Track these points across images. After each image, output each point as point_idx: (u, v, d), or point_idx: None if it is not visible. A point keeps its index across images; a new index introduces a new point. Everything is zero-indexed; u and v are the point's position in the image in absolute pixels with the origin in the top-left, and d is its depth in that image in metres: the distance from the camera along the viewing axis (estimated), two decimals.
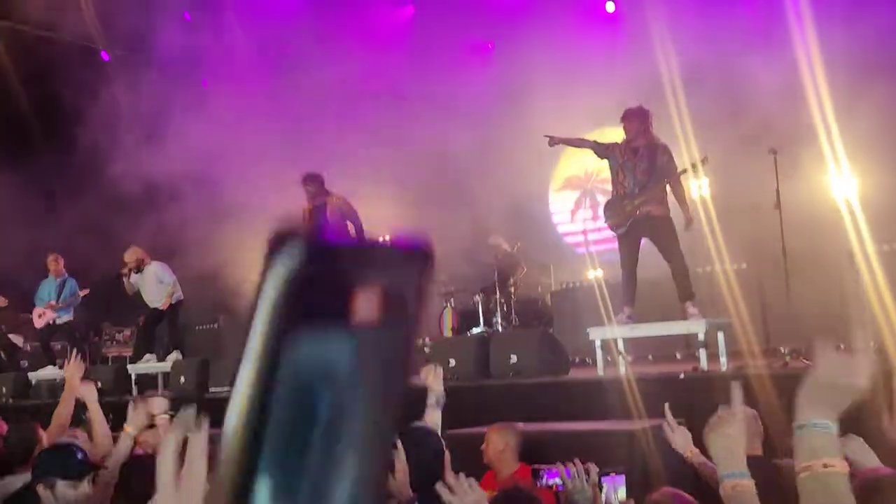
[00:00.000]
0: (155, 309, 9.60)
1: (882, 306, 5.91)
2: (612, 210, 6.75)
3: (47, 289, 10.53)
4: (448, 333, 10.14)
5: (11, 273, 10.82)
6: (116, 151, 11.97)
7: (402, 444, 3.33)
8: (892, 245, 7.41)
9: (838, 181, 8.50)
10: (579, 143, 7.28)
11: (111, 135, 12.01)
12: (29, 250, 10.75)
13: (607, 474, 3.20)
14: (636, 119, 6.63)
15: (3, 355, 11.35)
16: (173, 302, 9.50)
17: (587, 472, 3.01)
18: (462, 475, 2.48)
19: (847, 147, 7.75)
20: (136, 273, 9.50)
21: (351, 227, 8.37)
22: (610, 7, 11.99)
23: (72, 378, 4.70)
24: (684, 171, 6.60)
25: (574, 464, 3.02)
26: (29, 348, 12.96)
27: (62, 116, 12.30)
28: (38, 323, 10.56)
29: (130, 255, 9.58)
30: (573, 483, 2.97)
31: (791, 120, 8.57)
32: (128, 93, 12.59)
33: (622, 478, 3.31)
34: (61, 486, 3.05)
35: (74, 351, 5.34)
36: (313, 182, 8.53)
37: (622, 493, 3.27)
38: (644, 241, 6.65)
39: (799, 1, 8.91)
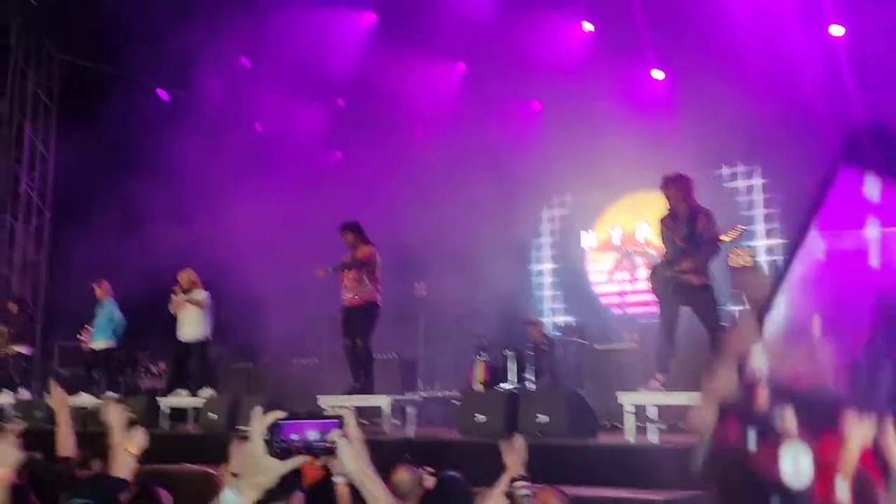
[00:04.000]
0: (184, 343, 9.71)
1: None
2: (654, 276, 6.75)
3: (95, 314, 10.77)
4: (478, 387, 10.11)
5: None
6: (175, 192, 12.29)
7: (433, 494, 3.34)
8: None
9: None
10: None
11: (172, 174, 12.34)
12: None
13: None
14: (675, 186, 6.65)
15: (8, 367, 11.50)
16: (202, 339, 9.61)
17: None
18: None
19: None
20: (185, 294, 9.67)
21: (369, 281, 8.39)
22: (658, 74, 12.11)
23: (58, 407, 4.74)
24: (719, 240, 6.50)
25: None
26: (66, 374, 13.19)
27: (127, 154, 12.66)
28: (83, 346, 10.81)
29: (184, 277, 9.77)
30: None
31: None
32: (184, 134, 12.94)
33: None
34: None
35: (52, 381, 5.39)
36: (351, 231, 8.61)
37: None
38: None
39: None
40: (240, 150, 13.28)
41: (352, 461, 1.52)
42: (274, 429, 1.51)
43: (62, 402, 4.70)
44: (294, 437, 1.50)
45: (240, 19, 12.39)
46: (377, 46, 12.94)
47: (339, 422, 1.52)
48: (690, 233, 6.54)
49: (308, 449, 1.51)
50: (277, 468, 1.51)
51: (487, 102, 12.54)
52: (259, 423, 1.52)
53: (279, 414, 1.53)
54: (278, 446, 1.50)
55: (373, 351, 8.57)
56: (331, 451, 1.51)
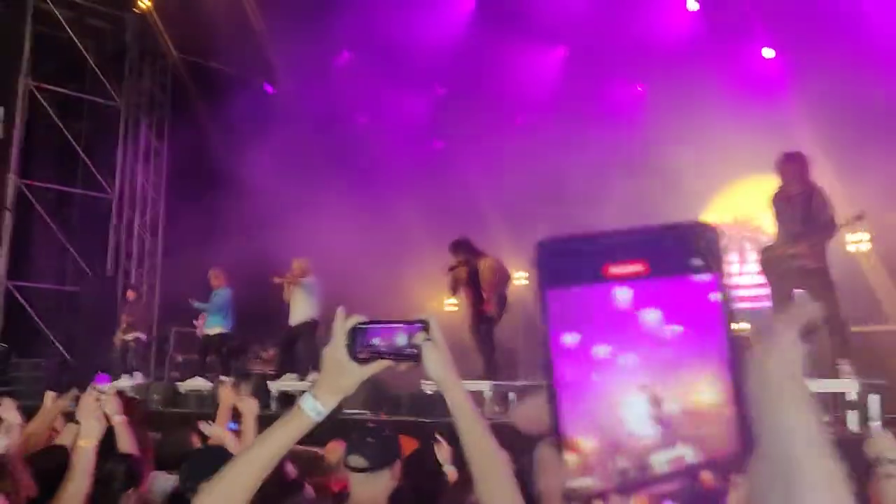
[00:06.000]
0: (293, 327, 9.97)
1: None
2: (765, 259, 6.47)
3: (205, 302, 11.14)
4: None
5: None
6: (282, 184, 12.59)
7: None
8: None
9: None
10: None
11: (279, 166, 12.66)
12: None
13: None
14: (791, 164, 6.34)
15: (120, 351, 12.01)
16: (309, 321, 9.83)
17: None
18: None
19: None
20: (297, 281, 9.95)
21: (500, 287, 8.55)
22: (768, 53, 11.64)
23: (226, 400, 4.89)
24: (836, 222, 6.19)
25: None
26: (180, 359, 13.76)
27: (236, 147, 13.06)
28: (198, 333, 11.23)
29: (297, 264, 10.04)
30: None
31: None
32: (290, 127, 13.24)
33: None
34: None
35: (232, 379, 5.51)
36: (461, 249, 8.67)
37: None
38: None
39: None
40: (343, 143, 13.51)
41: (437, 366, 1.42)
42: (356, 333, 1.43)
43: (227, 399, 4.89)
44: (376, 341, 1.43)
45: (340, 11, 12.56)
46: (476, 33, 12.89)
47: (424, 325, 1.42)
48: (805, 214, 6.23)
49: (391, 354, 1.43)
50: (359, 373, 1.45)
51: (589, 86, 12.33)
52: (341, 325, 1.46)
53: (360, 318, 1.45)
54: (360, 351, 1.43)
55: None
56: (415, 357, 1.42)
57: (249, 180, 12.40)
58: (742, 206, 12.09)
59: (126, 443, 3.84)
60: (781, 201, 6.44)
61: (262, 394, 9.71)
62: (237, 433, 4.89)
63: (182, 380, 11.32)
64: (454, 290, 8.80)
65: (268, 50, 13.79)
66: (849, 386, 5.62)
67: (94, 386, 4.11)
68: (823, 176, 7.13)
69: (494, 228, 11.45)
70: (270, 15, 13.45)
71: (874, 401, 5.61)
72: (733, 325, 0.69)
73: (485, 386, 7.86)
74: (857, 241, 9.75)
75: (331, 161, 13.10)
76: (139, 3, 15.18)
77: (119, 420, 3.88)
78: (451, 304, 13.44)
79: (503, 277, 8.65)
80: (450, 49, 12.93)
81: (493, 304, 8.51)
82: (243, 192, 12.58)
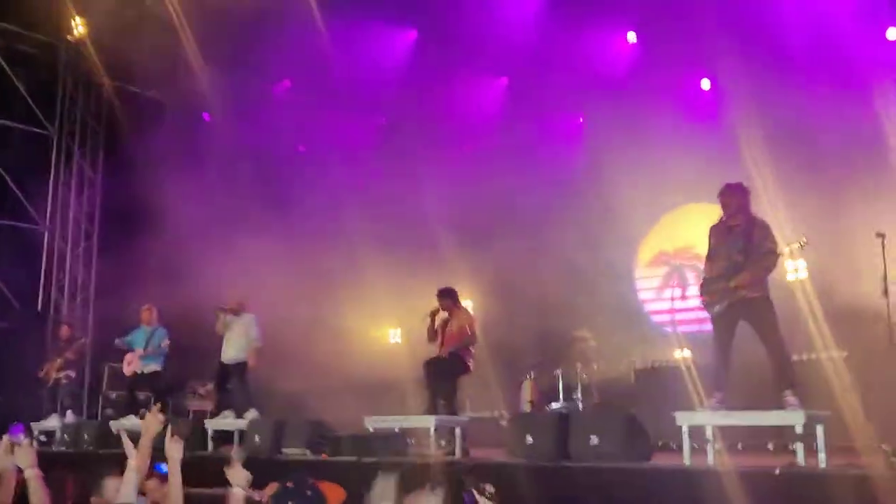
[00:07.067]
0: (224, 365, 9.67)
1: None
2: (708, 289, 6.44)
3: (138, 337, 10.76)
4: (526, 407, 9.88)
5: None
6: (218, 215, 12.31)
7: None
8: None
9: None
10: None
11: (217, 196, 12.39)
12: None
13: None
14: (733, 196, 6.36)
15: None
16: (243, 361, 9.55)
17: None
18: None
19: None
20: (233, 315, 9.66)
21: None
22: (705, 84, 11.83)
23: (148, 429, 4.62)
24: (777, 252, 6.20)
25: None
26: (114, 396, 13.26)
27: (172, 177, 12.76)
28: (127, 371, 10.80)
29: (234, 297, 9.77)
30: None
31: None
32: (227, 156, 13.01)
33: None
34: None
35: (157, 404, 5.29)
36: (448, 297, 8.63)
37: None
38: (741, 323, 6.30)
39: None
40: (282, 171, 13.31)
41: None
42: None
43: (148, 428, 4.58)
44: None
45: (280, 40, 12.41)
46: (419, 62, 12.87)
47: None
48: (747, 245, 6.24)
49: None
50: None
51: (531, 116, 12.39)
52: None
53: None
54: None
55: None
56: None
57: (185, 213, 12.09)
58: (682, 235, 12.20)
59: (39, 498, 3.60)
60: (723, 232, 6.44)
61: (198, 433, 9.39)
62: (164, 477, 4.62)
63: (116, 418, 10.88)
64: (433, 336, 8.65)
65: (206, 79, 13.53)
66: (795, 418, 5.59)
67: (10, 437, 3.86)
68: (763, 205, 7.19)
69: (441, 256, 11.32)
70: (209, 43, 13.22)
71: (819, 432, 5.59)
72: None
73: (429, 421, 7.68)
74: (795, 270, 9.86)
75: (269, 189, 12.90)
76: (73, 30, 14.79)
77: (32, 474, 3.64)
78: (395, 339, 13.31)
79: (463, 336, 8.45)
80: (392, 77, 12.88)
81: (446, 352, 8.39)
82: (179, 225, 12.25)
